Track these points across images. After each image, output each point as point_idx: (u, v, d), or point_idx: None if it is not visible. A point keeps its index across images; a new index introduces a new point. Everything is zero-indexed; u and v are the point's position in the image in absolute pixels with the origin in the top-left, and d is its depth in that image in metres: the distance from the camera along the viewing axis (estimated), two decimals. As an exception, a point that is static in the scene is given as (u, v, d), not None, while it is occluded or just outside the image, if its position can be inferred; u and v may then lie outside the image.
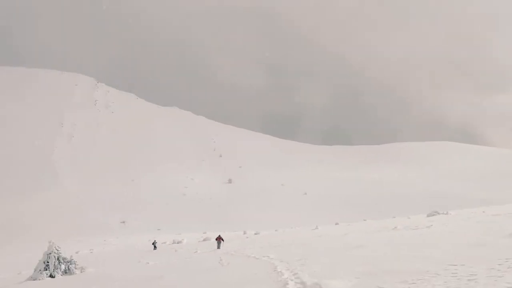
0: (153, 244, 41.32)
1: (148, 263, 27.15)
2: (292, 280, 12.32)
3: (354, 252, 16.90)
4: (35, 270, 28.55)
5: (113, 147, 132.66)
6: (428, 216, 36.61)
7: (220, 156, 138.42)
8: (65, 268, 28.25)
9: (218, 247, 32.25)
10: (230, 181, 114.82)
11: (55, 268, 28.02)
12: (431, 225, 24.87)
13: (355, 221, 53.76)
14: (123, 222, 78.49)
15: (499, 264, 10.07)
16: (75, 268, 28.39)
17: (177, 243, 46.14)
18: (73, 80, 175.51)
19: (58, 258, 28.37)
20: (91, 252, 44.45)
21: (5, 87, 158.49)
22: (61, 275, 27.80)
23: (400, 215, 59.89)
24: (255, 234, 46.20)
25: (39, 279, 27.25)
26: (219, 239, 33.28)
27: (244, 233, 49.82)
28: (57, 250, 28.59)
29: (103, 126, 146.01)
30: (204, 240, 45.79)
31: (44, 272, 27.81)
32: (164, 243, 46.60)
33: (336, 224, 49.41)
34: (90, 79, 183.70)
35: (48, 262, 28.21)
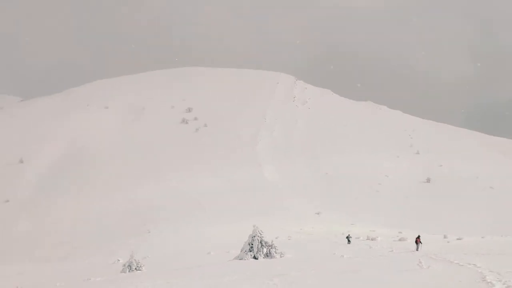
0: (347, 237, 41.65)
1: (343, 256, 27.50)
2: (505, 293, 11.04)
3: None
4: (241, 251, 31.70)
5: (308, 140, 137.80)
6: None
7: (417, 153, 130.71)
8: (266, 251, 30.65)
9: (417, 249, 30.78)
10: (428, 180, 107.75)
11: (258, 250, 30.65)
12: None
13: None
14: (318, 213, 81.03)
15: None
16: (275, 253, 30.55)
17: (371, 239, 45.50)
18: (276, 79, 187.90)
19: (261, 242, 30.94)
20: (289, 239, 47.04)
21: (217, 85, 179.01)
22: (263, 257, 30.24)
23: None
24: (458, 239, 42.52)
25: (245, 259, 30.18)
26: (418, 240, 31.72)
27: (445, 237, 46.21)
28: (260, 234, 31.19)
29: (300, 121, 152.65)
30: (400, 240, 44.10)
31: (249, 253, 30.71)
32: (358, 238, 46.47)
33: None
34: (290, 77, 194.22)
35: (252, 244, 31.04)
